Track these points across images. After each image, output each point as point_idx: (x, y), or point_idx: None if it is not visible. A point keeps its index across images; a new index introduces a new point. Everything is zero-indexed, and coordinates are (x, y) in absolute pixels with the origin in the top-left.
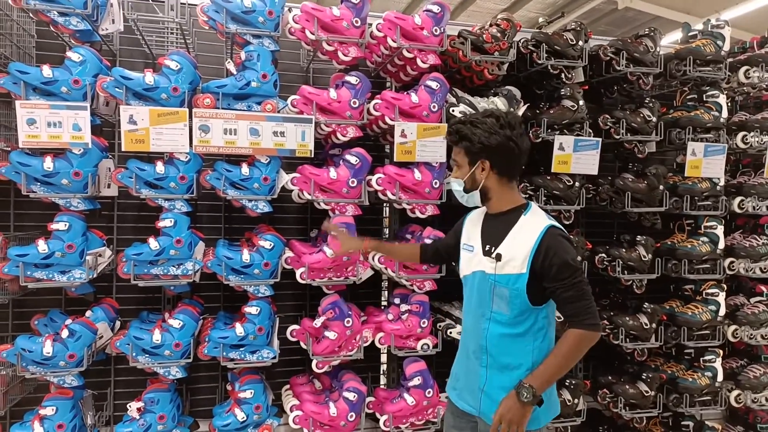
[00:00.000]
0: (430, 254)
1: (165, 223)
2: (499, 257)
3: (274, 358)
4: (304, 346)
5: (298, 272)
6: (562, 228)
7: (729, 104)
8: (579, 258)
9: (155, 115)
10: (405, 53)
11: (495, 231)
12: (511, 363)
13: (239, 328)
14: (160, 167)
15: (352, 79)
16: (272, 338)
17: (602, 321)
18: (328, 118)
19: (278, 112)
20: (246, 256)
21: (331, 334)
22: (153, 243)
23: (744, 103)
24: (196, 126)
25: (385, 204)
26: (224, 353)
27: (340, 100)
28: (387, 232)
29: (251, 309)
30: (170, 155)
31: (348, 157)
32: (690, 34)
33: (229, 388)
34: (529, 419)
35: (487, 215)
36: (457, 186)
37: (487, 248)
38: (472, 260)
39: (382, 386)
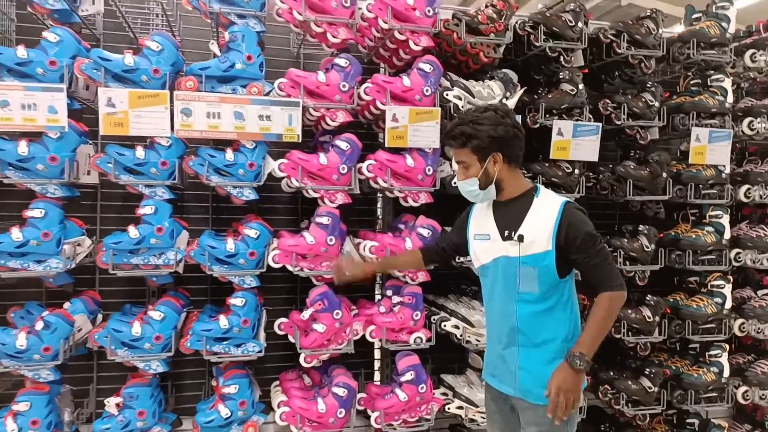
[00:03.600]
0: (434, 255)
1: (145, 210)
2: (521, 239)
3: (260, 351)
4: (292, 340)
5: (270, 255)
6: (576, 203)
7: (735, 91)
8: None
9: (135, 97)
10: (397, 35)
11: (510, 217)
12: (546, 338)
13: (223, 321)
14: (140, 152)
15: (341, 61)
16: (258, 331)
17: None
18: (316, 102)
19: (265, 95)
20: (230, 245)
21: (319, 327)
22: (132, 231)
23: (750, 89)
24: (178, 109)
25: (379, 194)
26: (207, 347)
27: (328, 84)
28: (381, 223)
29: (236, 300)
30: (151, 140)
31: (338, 142)
32: (694, 16)
33: (214, 383)
34: (577, 389)
35: (496, 204)
36: (470, 186)
37: (506, 234)
38: (490, 248)
39: (376, 382)
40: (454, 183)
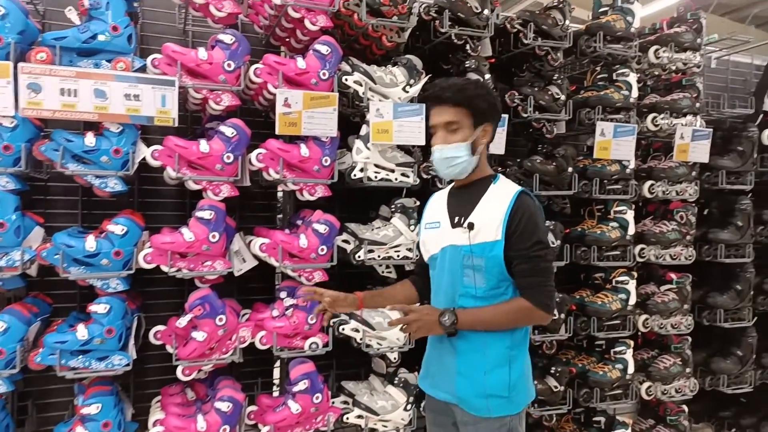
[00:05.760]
0: (423, 281)
1: None
2: (471, 226)
3: (128, 365)
4: (170, 350)
5: (141, 255)
6: (533, 196)
7: (641, 88)
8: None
9: None
10: (291, 12)
11: (463, 202)
12: (489, 342)
13: (82, 331)
14: None
15: (225, 38)
16: (128, 342)
17: None
18: (196, 82)
19: (135, 71)
20: (91, 243)
21: (199, 335)
22: None
23: (655, 85)
24: (24, 84)
25: (279, 188)
26: (63, 361)
27: (211, 62)
28: (280, 219)
29: (98, 307)
30: None
31: (222, 128)
32: (600, 10)
33: (77, 402)
34: (427, 331)
35: (452, 190)
36: (456, 152)
37: (456, 220)
38: (439, 236)
39: (275, 394)
40: (435, 149)
